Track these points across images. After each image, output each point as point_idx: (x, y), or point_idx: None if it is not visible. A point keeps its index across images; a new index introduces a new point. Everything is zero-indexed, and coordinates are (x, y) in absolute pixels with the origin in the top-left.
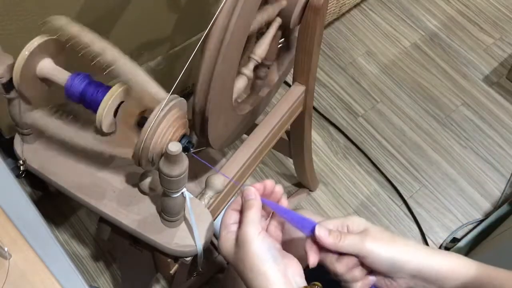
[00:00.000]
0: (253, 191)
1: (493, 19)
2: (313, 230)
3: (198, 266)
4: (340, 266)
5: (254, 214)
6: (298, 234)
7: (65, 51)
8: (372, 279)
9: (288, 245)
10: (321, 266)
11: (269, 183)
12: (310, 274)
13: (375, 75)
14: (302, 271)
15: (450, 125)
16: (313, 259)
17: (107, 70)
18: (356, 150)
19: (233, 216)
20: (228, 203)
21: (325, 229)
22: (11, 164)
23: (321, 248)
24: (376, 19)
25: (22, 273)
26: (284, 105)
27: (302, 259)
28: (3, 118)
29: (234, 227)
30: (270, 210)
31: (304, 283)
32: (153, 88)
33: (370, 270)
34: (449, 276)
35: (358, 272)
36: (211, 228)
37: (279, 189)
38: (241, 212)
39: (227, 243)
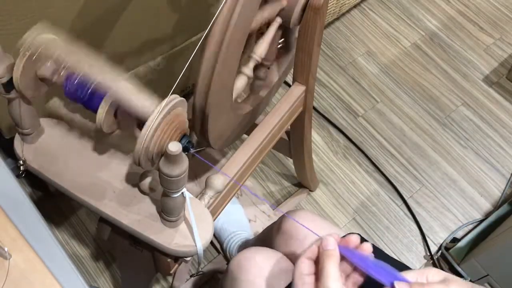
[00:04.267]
0: (333, 241)
1: (493, 19)
2: (392, 285)
3: (198, 266)
4: None
5: (334, 266)
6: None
7: None
8: None
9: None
10: None
11: (354, 238)
12: None
13: (375, 75)
14: None
15: (450, 125)
16: None
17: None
18: (356, 150)
19: (308, 267)
20: (304, 252)
21: (406, 284)
22: (11, 164)
23: None
24: (376, 19)
25: (22, 273)
26: (284, 105)
27: None
28: (3, 118)
29: (310, 279)
30: (348, 263)
31: None
32: (138, 101)
33: None
34: None
35: None
36: (211, 228)
37: (367, 246)
38: (316, 262)
39: None
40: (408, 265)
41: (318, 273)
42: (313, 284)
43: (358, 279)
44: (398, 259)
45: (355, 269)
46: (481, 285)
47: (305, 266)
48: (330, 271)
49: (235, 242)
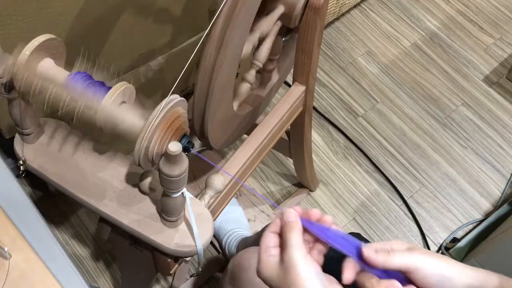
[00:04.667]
0: (294, 213)
1: (493, 19)
2: (357, 251)
3: (198, 266)
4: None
5: (297, 236)
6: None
7: (65, 51)
8: None
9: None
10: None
11: (315, 211)
12: None
13: (375, 75)
14: None
15: (450, 125)
16: (348, 275)
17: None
18: (356, 150)
19: (273, 239)
20: (268, 226)
21: (373, 249)
22: (11, 164)
23: (361, 270)
24: (376, 19)
25: (22, 273)
26: (284, 105)
27: None
28: (3, 118)
29: (275, 251)
30: (310, 235)
31: None
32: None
33: None
34: None
35: None
36: (211, 228)
37: (328, 218)
38: (281, 235)
39: (268, 266)
40: None
41: (282, 245)
42: (278, 255)
43: (322, 248)
44: None
45: (318, 239)
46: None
47: (270, 239)
48: (293, 241)
49: (234, 240)
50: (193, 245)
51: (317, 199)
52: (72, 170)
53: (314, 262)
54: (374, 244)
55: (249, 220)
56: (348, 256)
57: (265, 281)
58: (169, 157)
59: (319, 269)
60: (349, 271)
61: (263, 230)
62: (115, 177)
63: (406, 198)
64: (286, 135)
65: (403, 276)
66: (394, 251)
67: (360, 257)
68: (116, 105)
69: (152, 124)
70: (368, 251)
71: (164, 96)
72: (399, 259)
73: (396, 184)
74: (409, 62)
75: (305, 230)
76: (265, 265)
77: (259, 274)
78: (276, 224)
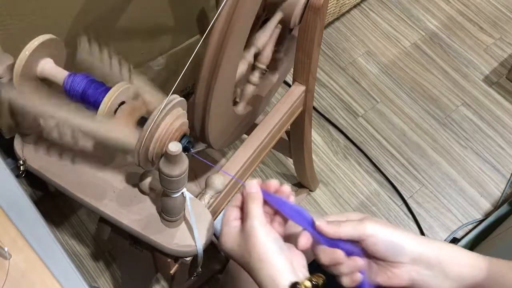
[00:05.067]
0: (255, 184)
1: (493, 19)
2: (311, 223)
3: (198, 266)
4: (324, 258)
5: (257, 207)
6: (299, 230)
7: (65, 51)
8: (360, 275)
9: (288, 242)
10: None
11: (273, 182)
12: (313, 270)
13: (375, 75)
14: (306, 263)
15: (450, 125)
16: (302, 241)
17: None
18: (356, 150)
19: (234, 213)
20: (230, 201)
21: (324, 220)
22: (11, 164)
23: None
24: (376, 19)
25: (22, 273)
26: (284, 105)
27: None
28: (3, 118)
29: (236, 223)
30: (271, 207)
31: (308, 274)
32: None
33: (368, 258)
34: (451, 260)
35: (345, 268)
36: (211, 228)
37: (285, 188)
38: (242, 209)
39: (230, 237)
40: None
41: (243, 216)
42: (239, 226)
43: (282, 220)
44: None
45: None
46: None
47: (232, 213)
48: (253, 210)
49: None
50: (193, 245)
51: (317, 199)
52: (72, 170)
53: (273, 230)
54: (331, 216)
55: None
56: (304, 228)
57: (226, 252)
58: (169, 157)
59: (278, 236)
60: (304, 238)
61: None
62: (115, 177)
63: (406, 198)
64: (286, 135)
65: (359, 248)
66: (345, 221)
67: (315, 229)
68: (110, 118)
69: (152, 124)
70: (319, 222)
71: (164, 96)
72: (348, 229)
73: (396, 184)
74: (409, 62)
75: (265, 203)
76: (227, 237)
77: (221, 246)
78: (238, 198)
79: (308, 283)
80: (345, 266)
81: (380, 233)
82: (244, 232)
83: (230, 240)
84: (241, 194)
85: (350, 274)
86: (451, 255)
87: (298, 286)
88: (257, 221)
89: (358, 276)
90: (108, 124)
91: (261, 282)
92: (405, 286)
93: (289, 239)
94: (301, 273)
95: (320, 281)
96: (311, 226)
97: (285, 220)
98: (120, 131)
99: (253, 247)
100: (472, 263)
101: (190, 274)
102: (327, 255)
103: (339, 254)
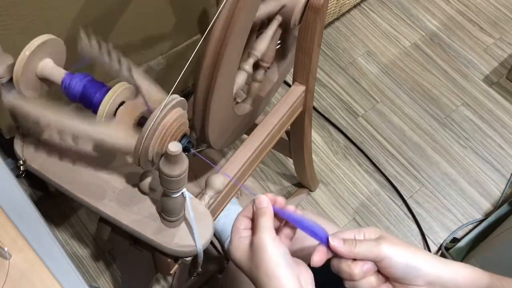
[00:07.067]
0: (266, 199)
1: (493, 19)
2: (326, 240)
3: (198, 266)
4: (357, 269)
5: (268, 221)
6: (307, 244)
7: (65, 51)
8: None
9: (296, 255)
10: (327, 273)
11: (280, 199)
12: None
13: (375, 75)
14: (313, 280)
15: (450, 125)
16: (316, 257)
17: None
18: (356, 150)
19: (244, 222)
20: (241, 211)
21: (339, 239)
22: (11, 164)
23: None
24: (376, 19)
25: (22, 273)
26: (284, 105)
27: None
28: (3, 118)
29: (246, 233)
30: (280, 220)
31: None
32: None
33: (386, 279)
34: (468, 284)
35: (375, 278)
36: (211, 228)
37: (290, 207)
38: (253, 220)
39: (239, 248)
40: None
41: (253, 229)
42: (249, 237)
43: (289, 233)
44: None
45: (285, 224)
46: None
47: (242, 222)
48: (264, 224)
49: None
50: (193, 245)
51: (317, 199)
52: (72, 170)
53: (282, 244)
54: (345, 232)
55: None
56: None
57: (235, 262)
58: (169, 157)
59: (287, 251)
60: (319, 255)
61: None
62: (115, 177)
63: (406, 198)
64: (286, 135)
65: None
66: (361, 241)
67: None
68: (109, 120)
69: (152, 124)
70: (334, 241)
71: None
72: (364, 250)
73: (396, 184)
74: (409, 62)
75: (275, 215)
76: (236, 247)
77: (230, 255)
78: (248, 209)
79: None
80: (375, 277)
81: (395, 255)
82: (253, 244)
83: (239, 250)
84: (252, 207)
85: (379, 286)
86: (469, 278)
87: None
88: (267, 235)
89: None
90: (108, 128)
91: None
92: None
93: (296, 253)
94: None
95: None
96: (325, 243)
97: (293, 234)
98: (120, 134)
99: (261, 261)
100: (489, 286)
101: (190, 274)
102: (360, 267)
103: (371, 266)
